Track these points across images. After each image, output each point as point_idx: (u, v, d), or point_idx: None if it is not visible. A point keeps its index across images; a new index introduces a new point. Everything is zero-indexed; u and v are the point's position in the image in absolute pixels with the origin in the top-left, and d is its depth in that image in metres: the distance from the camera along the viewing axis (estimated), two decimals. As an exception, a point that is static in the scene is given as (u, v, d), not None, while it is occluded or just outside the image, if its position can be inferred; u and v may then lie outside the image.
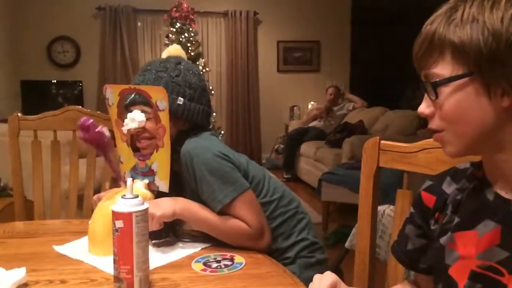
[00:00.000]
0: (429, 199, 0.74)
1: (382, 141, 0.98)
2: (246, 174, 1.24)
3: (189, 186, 1.23)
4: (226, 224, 1.16)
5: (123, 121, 1.20)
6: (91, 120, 1.12)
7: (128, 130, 1.19)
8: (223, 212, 1.16)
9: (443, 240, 0.68)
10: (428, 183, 0.76)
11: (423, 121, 4.02)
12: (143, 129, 1.19)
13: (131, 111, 1.19)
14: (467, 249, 0.64)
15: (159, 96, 1.14)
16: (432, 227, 0.74)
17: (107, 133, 1.14)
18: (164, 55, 1.33)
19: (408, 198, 0.96)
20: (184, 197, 1.20)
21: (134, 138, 1.24)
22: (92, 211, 1.20)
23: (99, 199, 1.23)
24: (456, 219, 0.68)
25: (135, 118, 1.17)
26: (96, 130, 1.11)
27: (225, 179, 1.16)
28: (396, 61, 5.10)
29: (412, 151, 0.92)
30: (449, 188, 0.73)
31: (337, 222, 3.60)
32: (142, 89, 1.18)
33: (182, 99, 1.22)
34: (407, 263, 0.81)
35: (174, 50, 1.34)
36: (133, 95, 1.20)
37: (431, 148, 0.89)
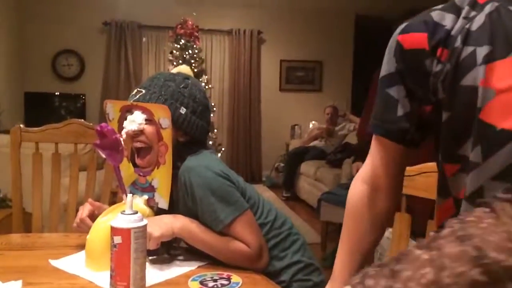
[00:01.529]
0: (416, 40, 0.65)
1: None
2: (244, 194, 1.23)
3: (183, 203, 1.21)
4: (226, 245, 1.15)
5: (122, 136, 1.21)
6: (110, 127, 1.13)
7: (127, 132, 1.17)
8: (223, 232, 1.16)
9: (470, 79, 0.59)
10: (401, 26, 0.68)
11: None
12: (140, 132, 1.18)
13: (132, 113, 1.18)
14: (508, 81, 0.54)
15: (162, 114, 1.15)
16: (436, 68, 0.64)
17: (122, 142, 1.14)
18: (177, 71, 1.35)
19: (406, 221, 0.96)
20: (176, 214, 1.19)
21: (133, 152, 1.24)
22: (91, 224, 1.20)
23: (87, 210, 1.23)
24: (486, 48, 0.58)
25: (135, 120, 1.16)
26: (114, 136, 1.11)
27: (226, 198, 1.16)
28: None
29: (411, 174, 0.92)
30: (445, 19, 0.64)
31: (335, 242, 3.56)
32: (144, 106, 1.18)
33: (184, 109, 1.22)
34: (394, 134, 0.73)
35: (184, 69, 1.36)
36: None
37: (430, 171, 0.89)
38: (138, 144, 1.19)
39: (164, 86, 1.22)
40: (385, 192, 0.79)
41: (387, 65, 0.71)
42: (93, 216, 1.22)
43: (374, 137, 0.78)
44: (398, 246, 0.96)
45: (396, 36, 0.69)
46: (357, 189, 0.85)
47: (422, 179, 0.91)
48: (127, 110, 1.20)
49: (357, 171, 1.87)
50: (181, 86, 1.24)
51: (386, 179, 0.78)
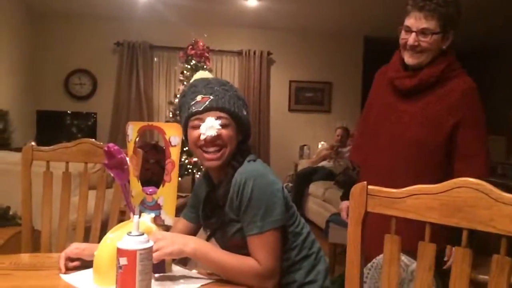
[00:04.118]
0: None
1: (370, 186, 0.98)
2: (288, 204, 1.29)
3: (229, 202, 1.25)
4: (237, 262, 1.17)
5: (137, 156, 1.23)
6: (117, 147, 1.15)
7: (205, 139, 1.23)
8: (251, 238, 1.19)
9: None
10: None
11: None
12: (217, 136, 1.24)
13: (201, 119, 1.24)
14: None
15: (173, 132, 1.18)
16: None
17: (128, 161, 1.16)
18: (195, 78, 1.39)
19: (396, 243, 0.95)
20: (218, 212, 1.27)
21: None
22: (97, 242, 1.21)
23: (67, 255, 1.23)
24: None
25: (214, 126, 1.22)
26: (120, 156, 1.14)
27: (271, 209, 1.20)
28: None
29: (401, 197, 0.92)
30: None
31: (343, 265, 3.52)
32: (157, 125, 1.21)
33: (245, 111, 1.32)
34: None
35: (206, 74, 1.41)
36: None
37: (420, 194, 0.89)
38: (211, 150, 1.25)
39: (224, 91, 1.29)
40: None
41: None
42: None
43: None
44: (389, 270, 0.95)
45: None
46: None
47: (411, 201, 0.90)
48: (144, 131, 1.25)
49: (346, 213, 1.84)
50: (235, 90, 1.32)
51: None
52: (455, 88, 1.58)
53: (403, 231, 0.94)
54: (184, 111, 1.31)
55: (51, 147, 1.67)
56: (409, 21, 1.60)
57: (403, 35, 1.63)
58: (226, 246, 1.30)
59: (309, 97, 7.12)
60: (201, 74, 1.39)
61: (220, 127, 1.24)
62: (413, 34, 1.58)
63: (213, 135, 1.22)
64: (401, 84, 1.66)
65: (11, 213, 2.33)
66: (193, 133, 1.27)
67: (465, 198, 0.82)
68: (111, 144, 1.15)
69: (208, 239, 1.34)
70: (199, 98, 1.27)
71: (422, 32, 1.57)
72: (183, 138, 1.26)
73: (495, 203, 0.79)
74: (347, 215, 1.77)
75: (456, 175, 1.52)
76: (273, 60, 6.97)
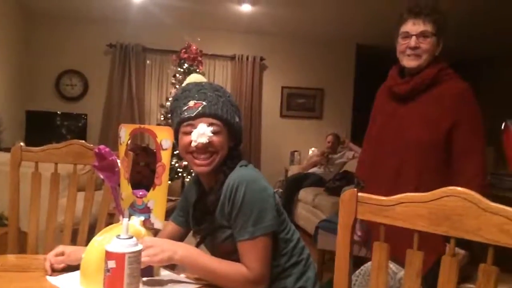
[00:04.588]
0: None
1: (360, 193, 0.99)
2: (280, 210, 1.29)
3: (220, 208, 1.25)
4: (226, 268, 1.17)
5: (128, 158, 1.22)
6: (108, 149, 1.14)
7: (196, 146, 1.22)
8: (242, 243, 1.19)
9: None
10: None
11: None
12: (208, 144, 1.23)
13: (193, 125, 1.23)
14: None
15: (164, 135, 1.18)
16: None
17: (119, 163, 1.16)
18: (188, 81, 1.37)
19: (385, 251, 0.95)
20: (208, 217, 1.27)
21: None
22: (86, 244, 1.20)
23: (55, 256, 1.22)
24: None
25: (205, 133, 1.21)
26: (111, 158, 1.13)
27: (263, 215, 1.20)
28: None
29: (390, 204, 0.93)
30: None
31: (332, 272, 3.52)
32: (148, 128, 1.21)
33: (237, 117, 1.32)
34: None
35: (199, 77, 1.40)
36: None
37: (409, 202, 0.90)
38: (202, 157, 1.25)
39: (217, 97, 1.28)
40: None
41: None
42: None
43: None
44: (378, 277, 0.96)
45: None
46: None
47: (401, 209, 0.91)
48: (136, 133, 1.24)
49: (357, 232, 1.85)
50: (227, 96, 1.31)
51: None
52: (448, 90, 1.65)
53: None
54: (176, 115, 1.30)
55: (40, 147, 1.65)
56: (407, 27, 1.69)
57: (401, 41, 1.72)
58: (216, 252, 1.29)
59: (301, 103, 7.14)
60: (194, 77, 1.38)
61: (212, 134, 1.23)
62: (414, 37, 1.67)
63: (204, 142, 1.22)
64: (398, 90, 1.75)
65: (-3, 213, 2.30)
66: (184, 139, 1.26)
67: (453, 207, 0.83)
68: (102, 146, 1.15)
69: (198, 245, 1.34)
70: (191, 103, 1.26)
71: (422, 34, 1.67)
72: (174, 141, 1.25)
73: (483, 212, 0.79)
74: (357, 234, 1.81)
75: (456, 174, 1.58)
76: (265, 66, 6.99)
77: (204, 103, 1.25)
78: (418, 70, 1.69)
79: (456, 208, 0.83)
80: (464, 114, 1.62)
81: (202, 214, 1.33)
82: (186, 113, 1.25)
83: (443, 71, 1.69)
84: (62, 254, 1.22)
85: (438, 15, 1.69)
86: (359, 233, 1.80)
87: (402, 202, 0.91)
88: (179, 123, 1.27)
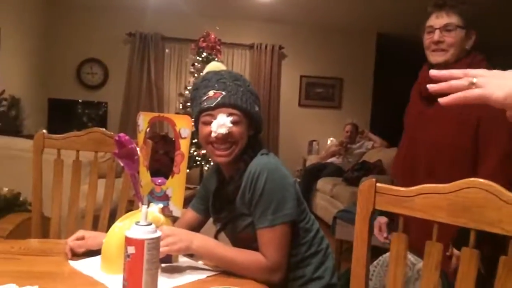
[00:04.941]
0: None
1: (378, 184, 0.98)
2: (300, 200, 1.30)
3: (241, 195, 1.25)
4: (243, 256, 1.18)
5: (147, 146, 1.24)
6: (128, 137, 1.16)
7: (216, 136, 1.23)
8: (261, 230, 1.20)
9: None
10: None
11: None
12: (228, 134, 1.23)
13: (213, 116, 1.23)
14: None
15: (183, 124, 1.18)
16: None
17: (138, 151, 1.17)
18: (208, 69, 1.37)
19: (403, 241, 0.95)
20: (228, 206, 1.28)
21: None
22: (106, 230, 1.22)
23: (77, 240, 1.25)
24: None
25: (225, 123, 1.22)
26: (130, 146, 1.14)
27: (283, 203, 1.20)
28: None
29: (409, 195, 0.92)
30: None
31: (349, 262, 3.52)
32: (167, 117, 1.22)
33: (257, 107, 1.31)
34: None
35: (220, 66, 1.39)
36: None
37: (428, 193, 0.89)
38: (222, 147, 1.25)
39: (237, 87, 1.27)
40: None
41: None
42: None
43: None
44: (396, 268, 0.95)
45: None
46: None
47: (420, 200, 0.90)
48: (154, 122, 1.25)
49: (378, 229, 1.82)
50: (247, 85, 1.31)
51: None
52: None
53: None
54: (196, 105, 1.30)
55: (62, 135, 1.68)
56: (431, 21, 1.62)
57: (426, 36, 1.64)
58: (236, 240, 1.31)
59: (319, 93, 7.09)
60: (214, 65, 1.38)
61: (231, 125, 1.23)
62: (437, 31, 1.59)
63: (224, 132, 1.22)
64: (425, 89, 1.66)
65: (21, 199, 2.35)
66: (204, 129, 1.27)
67: (474, 199, 0.82)
68: (122, 134, 1.16)
69: (218, 233, 1.35)
70: (211, 93, 1.26)
71: (446, 28, 1.59)
72: (194, 130, 1.26)
73: (504, 204, 0.78)
74: (379, 230, 1.79)
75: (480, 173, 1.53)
76: (284, 55, 6.95)
77: (223, 93, 1.25)
78: (446, 66, 1.57)
79: (477, 199, 0.82)
80: (488, 113, 1.54)
81: (222, 202, 1.34)
82: (205, 103, 1.25)
83: (474, 67, 1.59)
84: (83, 238, 1.25)
85: (465, 6, 1.59)
86: (385, 234, 1.78)
87: (422, 193, 0.90)
88: (199, 113, 1.28)
